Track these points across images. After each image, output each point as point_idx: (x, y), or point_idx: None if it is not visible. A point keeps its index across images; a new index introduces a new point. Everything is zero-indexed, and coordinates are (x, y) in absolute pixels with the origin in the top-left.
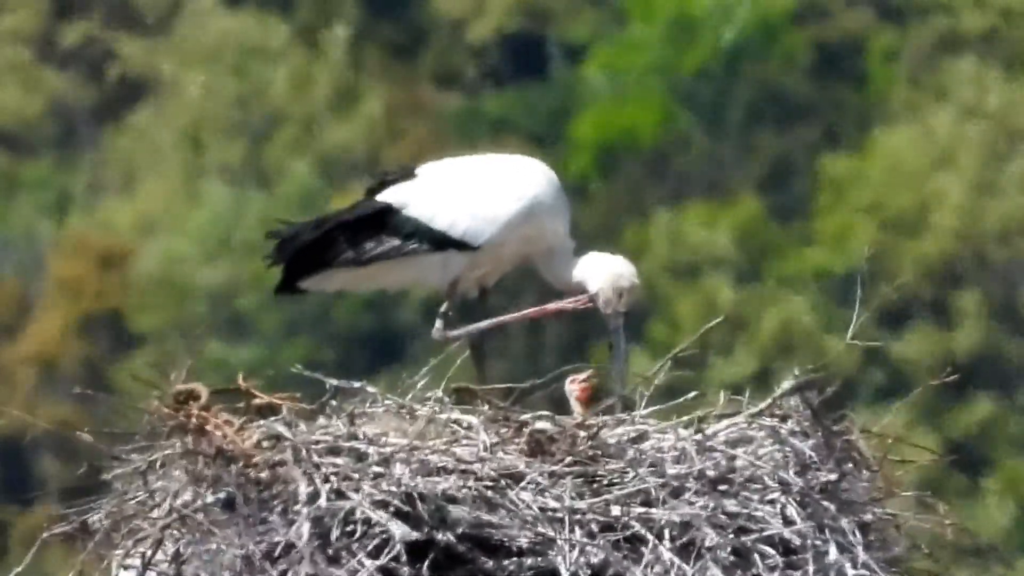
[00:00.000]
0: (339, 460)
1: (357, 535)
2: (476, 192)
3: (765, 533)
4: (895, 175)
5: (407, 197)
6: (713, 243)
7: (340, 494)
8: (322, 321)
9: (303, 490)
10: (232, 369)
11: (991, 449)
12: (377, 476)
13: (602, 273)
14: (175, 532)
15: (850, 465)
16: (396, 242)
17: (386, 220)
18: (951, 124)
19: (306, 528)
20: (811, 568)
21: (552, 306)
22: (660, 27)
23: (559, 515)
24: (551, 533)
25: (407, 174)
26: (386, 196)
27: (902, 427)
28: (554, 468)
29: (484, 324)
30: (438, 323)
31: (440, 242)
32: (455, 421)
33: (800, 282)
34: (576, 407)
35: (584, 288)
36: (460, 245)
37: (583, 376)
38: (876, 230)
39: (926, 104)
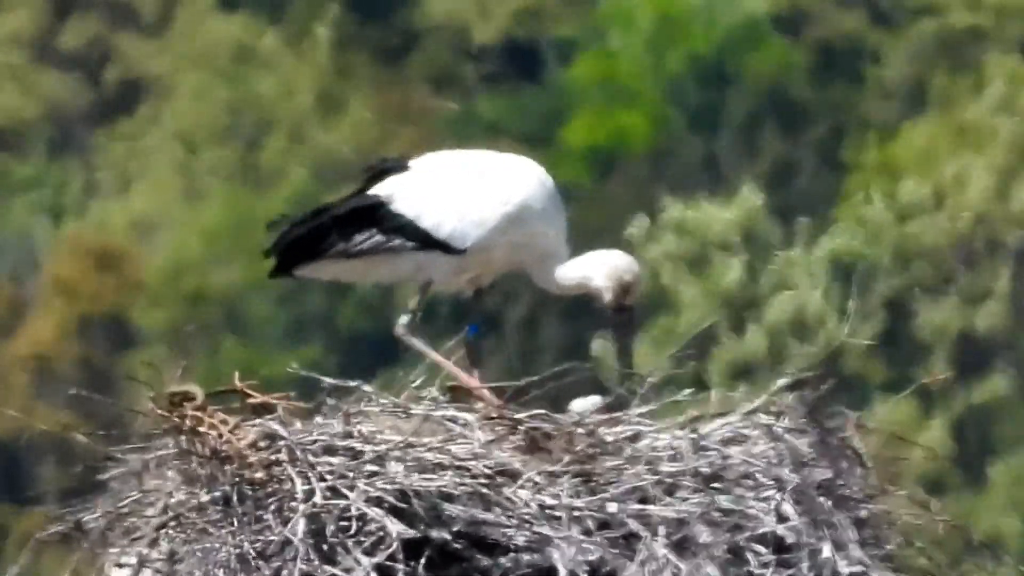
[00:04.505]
0: (334, 459)
1: (352, 532)
2: (465, 193)
3: (759, 530)
4: (912, 164)
5: (396, 192)
6: (716, 236)
7: (335, 492)
8: (324, 324)
9: (299, 489)
10: (247, 371)
11: (999, 436)
12: (372, 474)
13: (603, 268)
14: (170, 531)
15: (845, 462)
16: (383, 237)
17: (375, 214)
18: (981, 115)
19: (301, 526)
20: (805, 565)
21: (472, 384)
22: (641, 34)
23: (556, 513)
24: (548, 531)
25: (401, 166)
26: (378, 189)
27: (912, 416)
28: (551, 466)
29: (432, 355)
30: (404, 318)
31: (425, 241)
32: (450, 419)
33: (807, 273)
34: None
35: (585, 288)
36: (445, 247)
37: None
38: (893, 217)
39: (936, 97)
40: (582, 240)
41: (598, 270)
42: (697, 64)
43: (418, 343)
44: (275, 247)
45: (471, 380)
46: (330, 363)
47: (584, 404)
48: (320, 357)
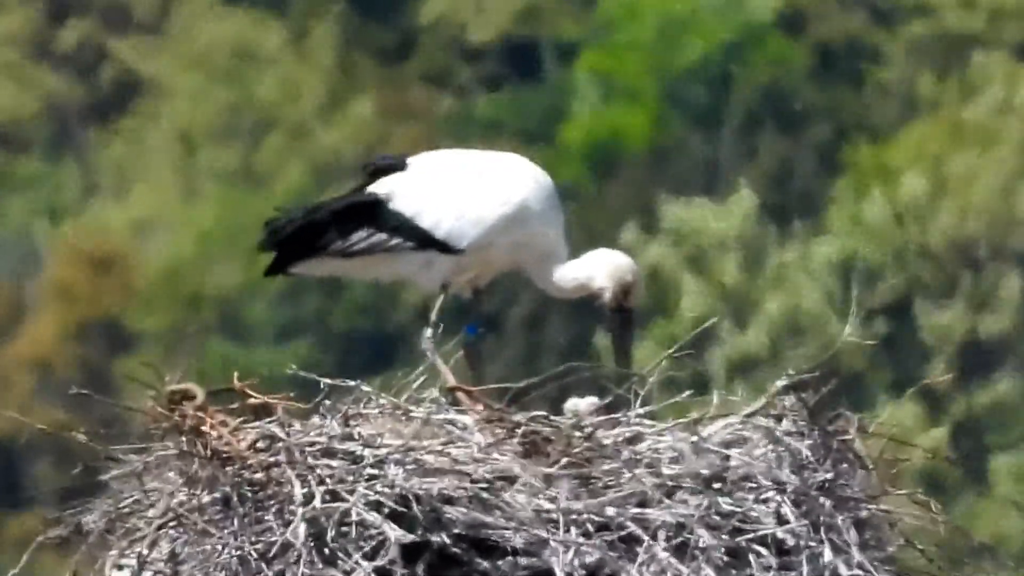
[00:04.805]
0: (334, 462)
1: (352, 536)
2: (463, 193)
3: (760, 533)
4: (917, 164)
5: (395, 191)
6: (714, 237)
7: (335, 495)
8: (319, 324)
9: (298, 492)
10: (237, 370)
11: (1004, 439)
12: (372, 478)
13: (605, 269)
14: (171, 532)
15: (845, 464)
16: (381, 236)
17: (373, 213)
18: (983, 116)
19: (302, 529)
20: (805, 568)
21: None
22: (648, 29)
23: (554, 516)
24: (545, 534)
25: (399, 165)
26: (376, 188)
27: (916, 419)
28: (549, 469)
29: (444, 371)
30: (427, 332)
31: (423, 241)
32: (450, 422)
33: (805, 275)
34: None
35: (586, 289)
36: (443, 246)
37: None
38: (893, 219)
39: (938, 98)
40: (582, 240)
41: (599, 270)
42: (701, 64)
43: (440, 361)
44: (270, 243)
45: (475, 405)
46: (326, 363)
47: (580, 404)
48: (315, 357)
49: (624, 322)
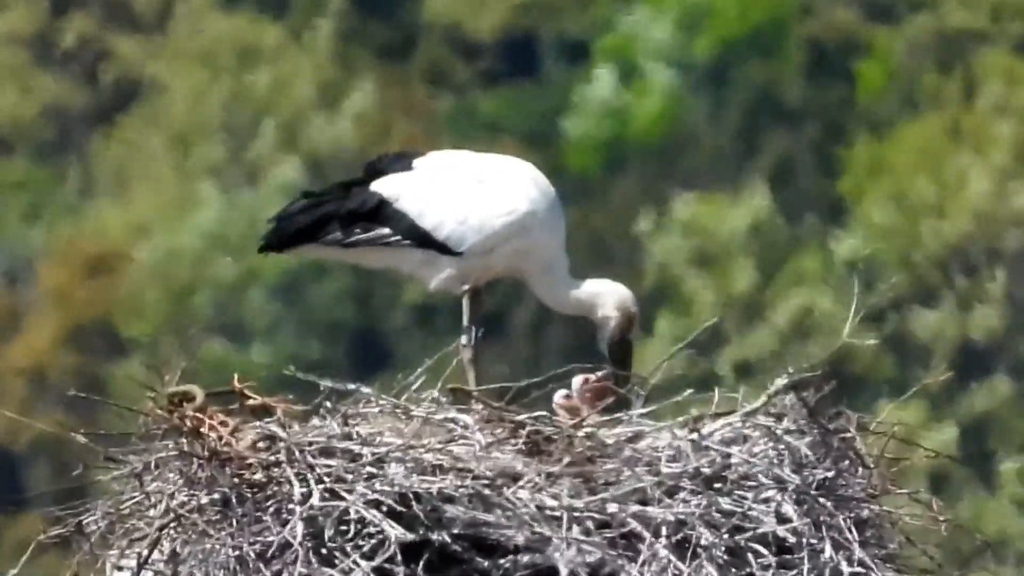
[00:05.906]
0: (333, 461)
1: (351, 535)
2: (466, 198)
3: (760, 531)
4: (916, 163)
5: (400, 191)
6: (727, 232)
7: (334, 494)
8: (312, 322)
9: (297, 491)
10: (229, 371)
11: (1005, 439)
12: (371, 476)
13: (612, 299)
14: (171, 533)
15: (846, 462)
16: (382, 231)
17: (377, 209)
18: (980, 116)
19: (300, 528)
20: (806, 566)
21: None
22: (671, 14)
23: (556, 514)
24: (547, 532)
25: (405, 164)
26: (379, 186)
27: (917, 418)
28: (551, 468)
29: (472, 379)
30: (463, 338)
31: (423, 241)
32: (451, 420)
33: (816, 272)
34: (568, 410)
35: (588, 313)
36: (442, 248)
37: (596, 376)
38: (893, 218)
39: (939, 96)
40: (590, 235)
41: (607, 300)
42: (717, 57)
43: (472, 369)
44: (275, 231)
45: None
46: (321, 364)
47: (574, 383)
48: (307, 357)
49: (625, 352)
